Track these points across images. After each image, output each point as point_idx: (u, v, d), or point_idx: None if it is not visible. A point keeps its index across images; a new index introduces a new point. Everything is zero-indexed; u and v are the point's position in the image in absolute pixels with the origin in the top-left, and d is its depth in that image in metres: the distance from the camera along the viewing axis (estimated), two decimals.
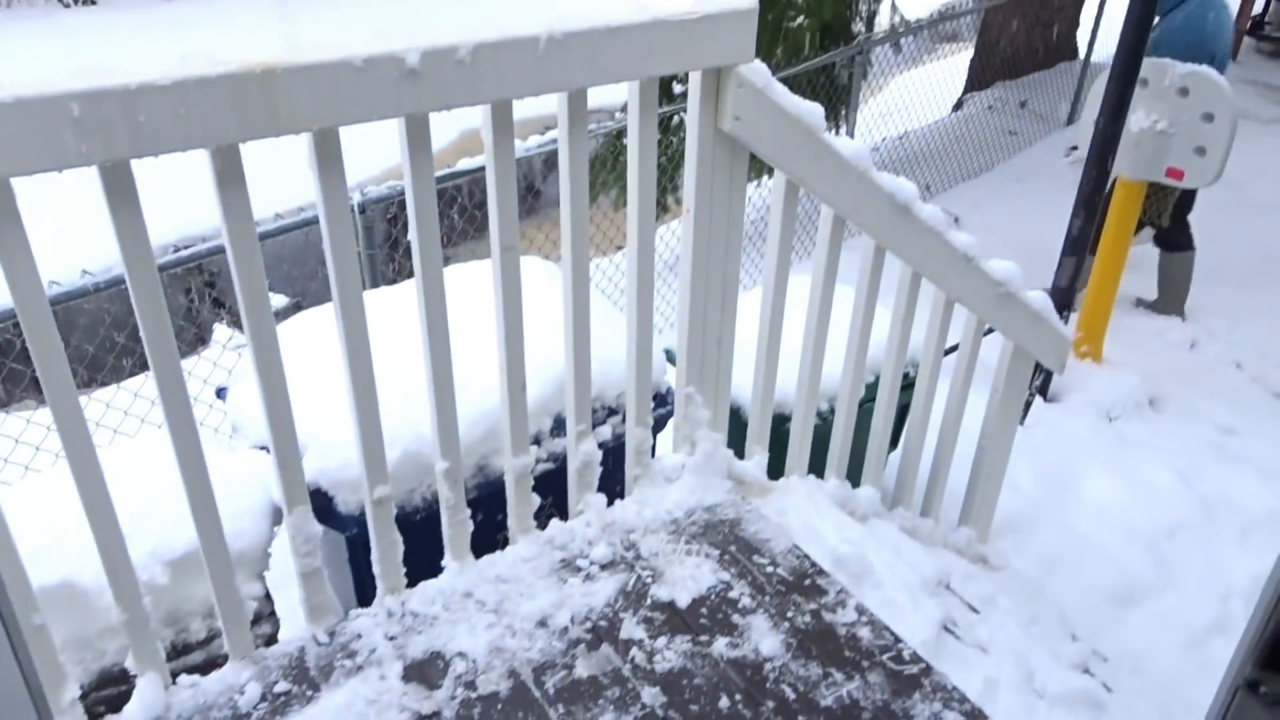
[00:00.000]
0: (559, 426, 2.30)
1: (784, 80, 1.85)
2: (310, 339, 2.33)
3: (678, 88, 5.52)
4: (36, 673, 1.13)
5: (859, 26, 7.28)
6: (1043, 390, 4.14)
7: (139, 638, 1.59)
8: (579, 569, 1.92)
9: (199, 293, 6.63)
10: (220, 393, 2.49)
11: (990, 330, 2.55)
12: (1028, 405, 3.92)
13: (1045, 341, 2.65)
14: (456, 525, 1.89)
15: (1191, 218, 4.71)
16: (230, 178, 1.36)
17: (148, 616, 1.61)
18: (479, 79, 1.46)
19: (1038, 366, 2.89)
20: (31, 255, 1.28)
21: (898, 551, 2.26)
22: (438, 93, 1.43)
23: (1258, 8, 9.35)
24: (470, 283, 2.35)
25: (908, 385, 2.68)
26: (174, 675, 1.67)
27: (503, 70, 1.48)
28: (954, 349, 2.62)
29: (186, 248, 3.14)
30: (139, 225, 1.33)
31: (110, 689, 1.83)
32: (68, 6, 15.54)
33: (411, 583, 1.88)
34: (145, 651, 1.61)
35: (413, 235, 1.59)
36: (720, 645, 1.74)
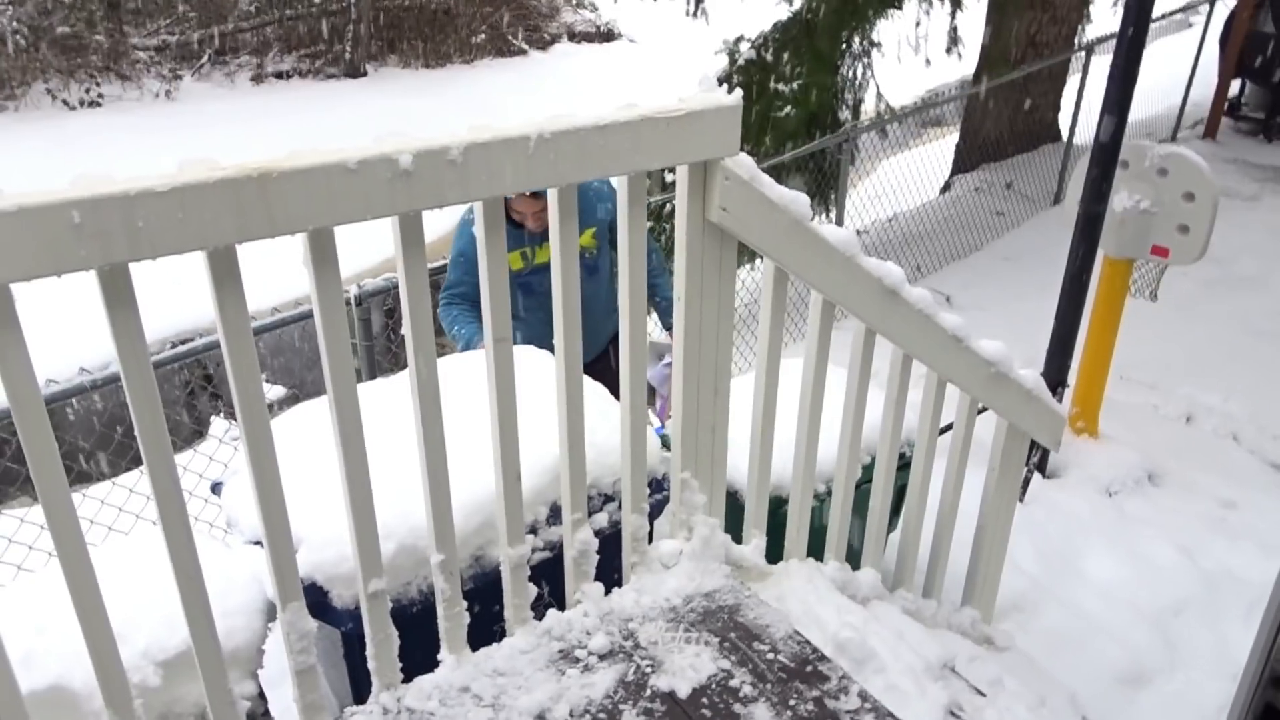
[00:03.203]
0: (555, 515, 2.30)
1: (773, 167, 1.90)
2: (306, 432, 2.34)
3: (669, 177, 5.64)
4: None
5: (845, 114, 7.47)
6: (1041, 467, 4.13)
7: None
8: (577, 660, 1.89)
9: (196, 386, 6.65)
10: (215, 488, 2.49)
11: (985, 409, 2.57)
12: (1026, 482, 3.91)
13: (1039, 419, 2.66)
14: (452, 618, 1.87)
15: (1180, 293, 4.78)
16: (227, 279, 1.39)
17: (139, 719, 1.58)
18: (470, 177, 1.50)
19: (1035, 443, 2.90)
20: (28, 359, 1.29)
21: (900, 635, 2.23)
22: (430, 192, 1.47)
23: (1234, 90, 9.60)
24: (464, 372, 2.37)
25: (904, 465, 2.68)
26: None
27: (494, 169, 1.52)
28: (949, 428, 2.63)
29: (184, 341, 3.18)
30: (136, 327, 1.35)
31: None
32: (73, 110, 15.91)
33: (408, 678, 1.86)
34: None
35: (406, 329, 1.61)
36: None
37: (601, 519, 2.32)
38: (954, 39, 8.60)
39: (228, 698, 1.65)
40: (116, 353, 1.36)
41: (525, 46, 21.17)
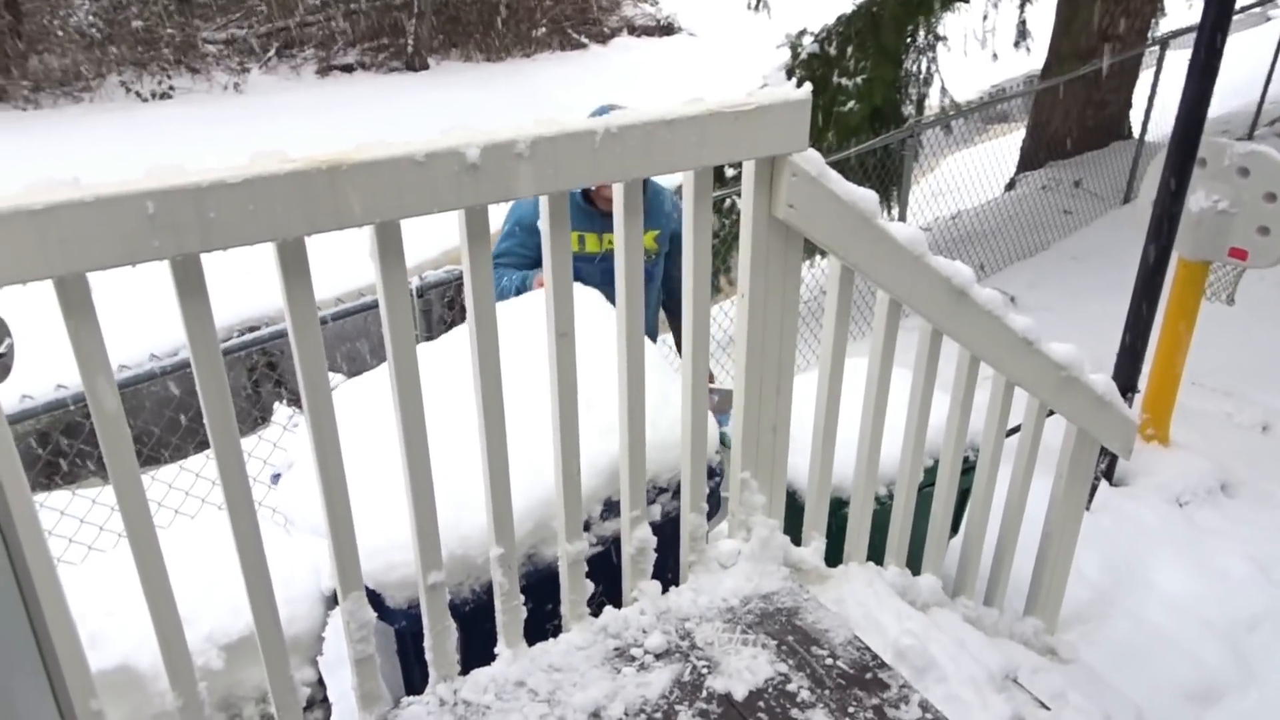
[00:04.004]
0: (609, 510, 2.28)
1: (835, 163, 1.86)
2: (355, 421, 2.32)
3: (730, 171, 5.60)
4: None
5: (909, 109, 7.36)
6: (1108, 474, 4.03)
7: None
8: (633, 658, 1.88)
9: (261, 374, 6.76)
10: (275, 479, 2.51)
11: (1053, 412, 2.50)
12: (1093, 490, 3.80)
13: (1110, 425, 2.59)
14: (510, 612, 1.87)
15: (1256, 297, 4.62)
16: (295, 270, 1.40)
17: (203, 703, 1.60)
18: (537, 171, 1.49)
19: (1103, 449, 2.82)
20: (104, 347, 1.32)
21: (962, 643, 2.19)
22: (497, 186, 1.46)
23: None
24: (519, 355, 2.35)
25: (968, 469, 2.63)
26: None
27: (560, 163, 1.51)
28: (1016, 430, 2.57)
29: (251, 329, 3.23)
30: (206, 317, 1.37)
31: None
32: (145, 101, 16.32)
33: (462, 672, 1.86)
34: None
35: (470, 324, 1.61)
36: None
37: (654, 510, 2.30)
38: (1023, 32, 8.43)
39: (289, 684, 1.67)
40: (188, 341, 1.38)
41: (585, 40, 21.23)
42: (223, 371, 1.42)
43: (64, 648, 1.39)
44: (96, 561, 2.20)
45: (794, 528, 2.24)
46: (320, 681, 2.04)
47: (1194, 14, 3.38)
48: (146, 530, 1.44)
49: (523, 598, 1.89)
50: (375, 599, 2.06)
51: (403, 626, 2.09)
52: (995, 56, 8.36)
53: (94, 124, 14.35)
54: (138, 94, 15.99)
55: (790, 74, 7.01)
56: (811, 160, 1.78)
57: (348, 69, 18.48)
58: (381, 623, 2.12)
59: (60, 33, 15.99)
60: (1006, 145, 9.34)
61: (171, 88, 16.33)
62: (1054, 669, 2.61)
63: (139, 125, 14.37)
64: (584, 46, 21.08)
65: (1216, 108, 4.10)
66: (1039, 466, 2.61)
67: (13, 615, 0.90)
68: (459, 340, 2.34)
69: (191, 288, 1.34)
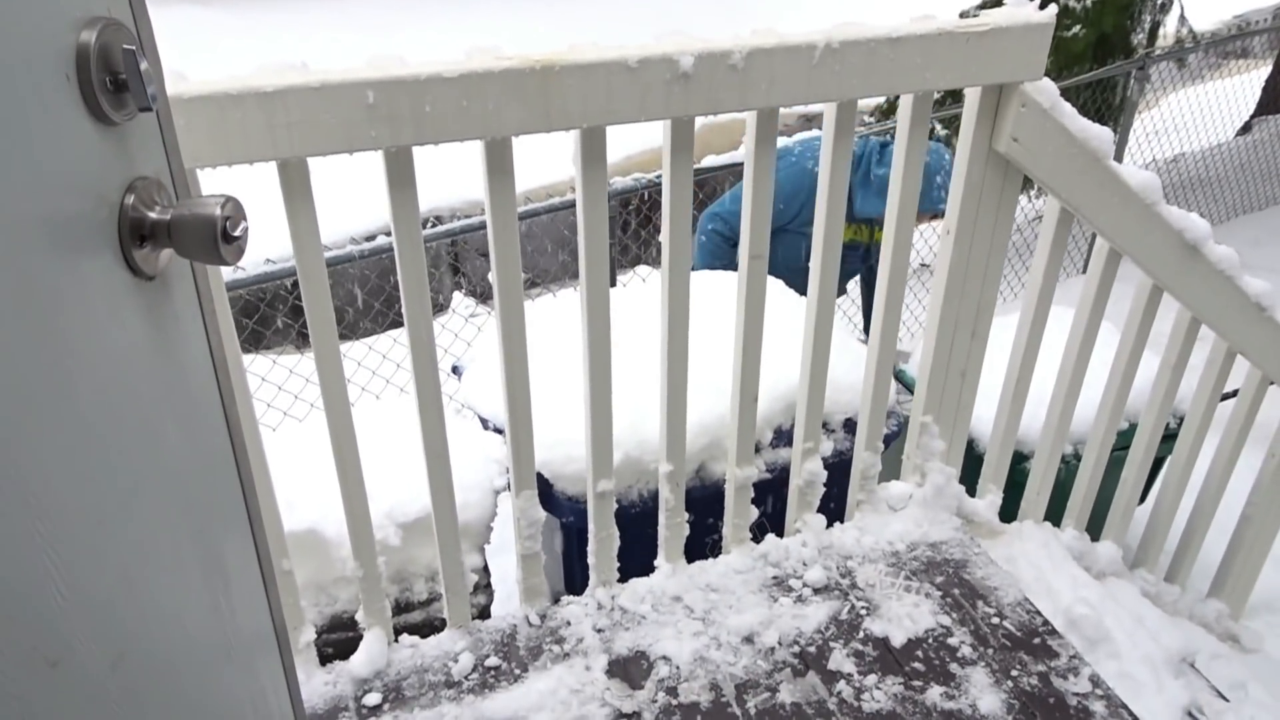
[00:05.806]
0: (779, 437, 2.25)
1: None
2: (546, 331, 2.37)
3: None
4: (283, 614, 1.20)
5: (1139, 38, 6.74)
6: None
7: (371, 594, 1.68)
8: (791, 589, 1.86)
9: (444, 262, 6.99)
10: (455, 370, 2.59)
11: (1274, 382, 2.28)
12: None
13: None
14: (673, 528, 1.88)
15: None
16: (500, 169, 1.40)
17: (380, 574, 1.70)
18: (749, 85, 1.43)
19: None
20: (318, 230, 1.36)
21: (1140, 620, 2.06)
22: (706, 97, 1.41)
23: None
24: (704, 291, 2.33)
25: (1168, 436, 2.44)
26: (396, 632, 1.76)
27: (775, 77, 1.44)
28: (1232, 394, 2.36)
29: (438, 220, 3.31)
30: (413, 207, 1.40)
31: (339, 634, 1.95)
32: None
33: (621, 576, 1.89)
34: (375, 608, 1.70)
35: (665, 236, 1.58)
36: (934, 694, 1.64)
37: (824, 447, 2.25)
38: None
39: (459, 568, 1.75)
40: (393, 229, 1.41)
41: None
42: (423, 262, 1.44)
43: (265, 510, 1.49)
44: (292, 429, 2.35)
45: (968, 478, 2.15)
46: (485, 568, 2.13)
47: None
48: (342, 406, 1.52)
49: (687, 514, 1.89)
50: (547, 488, 2.11)
51: (569, 522, 2.14)
52: None
53: (309, 7, 14.95)
54: None
55: None
56: (1045, 90, 1.63)
57: None
58: (550, 517, 2.18)
59: None
60: (1242, 84, 8.46)
61: None
62: (1235, 657, 2.44)
63: (353, 12, 14.86)
64: None
65: None
66: (1248, 442, 2.39)
67: (228, 478, 0.96)
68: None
69: (402, 179, 1.37)
